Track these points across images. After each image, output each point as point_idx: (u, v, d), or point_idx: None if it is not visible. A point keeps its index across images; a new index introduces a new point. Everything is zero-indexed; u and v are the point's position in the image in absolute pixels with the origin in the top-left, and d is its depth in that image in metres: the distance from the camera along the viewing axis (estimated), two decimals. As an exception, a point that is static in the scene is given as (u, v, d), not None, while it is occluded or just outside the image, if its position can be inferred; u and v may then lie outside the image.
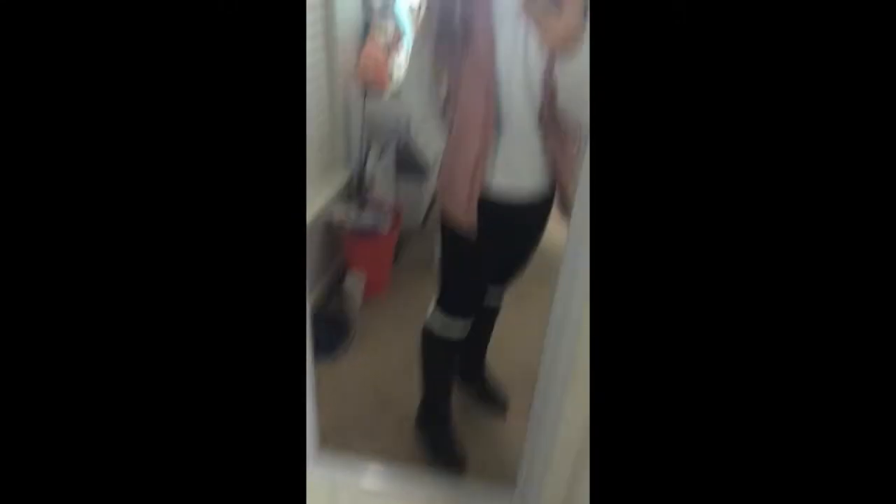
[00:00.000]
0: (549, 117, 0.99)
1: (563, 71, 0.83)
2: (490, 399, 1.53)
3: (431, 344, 1.27)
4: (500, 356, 1.52)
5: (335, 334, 1.72)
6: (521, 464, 1.07)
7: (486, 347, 1.53)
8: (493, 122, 0.99)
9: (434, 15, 1.00)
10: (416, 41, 1.08)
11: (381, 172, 2.09)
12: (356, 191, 2.08)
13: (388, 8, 2.20)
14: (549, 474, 0.98)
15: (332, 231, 1.92)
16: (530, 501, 1.06)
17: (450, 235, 1.16)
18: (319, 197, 1.84)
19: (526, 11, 0.77)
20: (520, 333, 1.37)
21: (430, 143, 1.11)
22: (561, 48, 0.78)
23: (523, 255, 1.27)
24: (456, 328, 1.23)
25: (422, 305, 1.35)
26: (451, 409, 1.40)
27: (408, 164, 2.17)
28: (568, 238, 0.78)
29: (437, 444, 1.38)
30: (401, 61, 2.19)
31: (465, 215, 1.05)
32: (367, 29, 2.07)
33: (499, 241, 1.14)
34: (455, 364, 1.34)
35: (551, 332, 0.87)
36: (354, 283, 1.86)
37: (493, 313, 1.43)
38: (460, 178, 1.04)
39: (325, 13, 1.73)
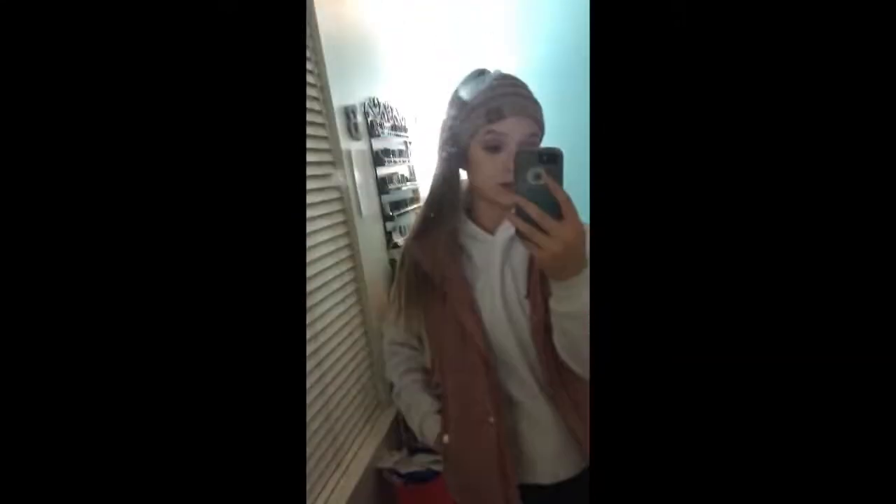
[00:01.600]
0: (558, 383, 0.82)
1: (558, 310, 0.70)
2: None
3: None
4: None
5: None
6: None
7: None
8: (504, 399, 0.83)
9: (409, 273, 0.88)
10: (395, 289, 0.94)
11: (426, 405, 2.00)
12: (404, 431, 1.96)
13: (411, 244, 2.37)
14: None
15: (385, 483, 1.75)
16: None
17: None
18: (366, 446, 1.72)
19: (514, 225, 0.64)
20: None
21: (412, 405, 0.97)
22: (558, 269, 0.64)
23: None
24: None
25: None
26: None
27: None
28: None
29: None
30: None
31: None
32: (393, 266, 2.19)
33: None
34: None
35: None
36: (415, 546, 1.62)
37: None
38: (485, 476, 0.85)
39: (351, 256, 1.85)
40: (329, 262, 1.67)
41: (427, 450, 1.86)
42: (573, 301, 0.67)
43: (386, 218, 2.13)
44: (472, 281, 0.84)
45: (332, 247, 1.70)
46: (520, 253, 0.83)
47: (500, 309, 0.82)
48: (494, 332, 0.83)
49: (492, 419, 0.82)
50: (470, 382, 0.84)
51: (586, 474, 0.87)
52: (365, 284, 1.88)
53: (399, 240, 2.23)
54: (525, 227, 0.63)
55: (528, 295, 0.80)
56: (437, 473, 1.70)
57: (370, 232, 1.97)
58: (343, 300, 1.76)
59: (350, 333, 1.79)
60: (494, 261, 0.83)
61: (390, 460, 1.76)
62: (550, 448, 0.85)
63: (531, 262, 0.80)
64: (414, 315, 0.89)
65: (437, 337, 0.89)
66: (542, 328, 0.78)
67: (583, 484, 0.87)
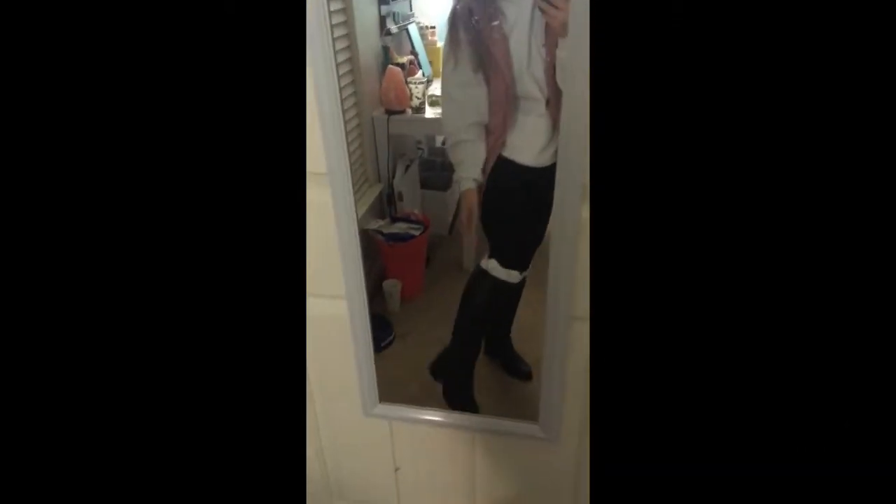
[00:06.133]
0: (554, 104, 1.28)
1: (560, 55, 1.15)
2: (514, 370, 1.71)
3: (483, 280, 1.52)
4: (525, 343, 1.69)
5: (379, 332, 1.91)
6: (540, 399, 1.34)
7: (511, 320, 1.71)
8: (511, 114, 1.34)
9: (458, 33, 1.34)
10: (446, 60, 1.40)
11: (407, 187, 2.28)
12: (387, 204, 2.27)
13: (402, 32, 2.38)
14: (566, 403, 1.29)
15: (369, 241, 2.11)
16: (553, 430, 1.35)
17: (492, 194, 1.48)
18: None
19: (537, 4, 1.13)
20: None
21: (466, 159, 1.43)
22: (562, 30, 1.07)
23: (537, 219, 1.55)
24: (512, 276, 1.50)
25: (454, 303, 1.52)
26: (474, 360, 1.61)
27: (430, 179, 2.35)
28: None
29: (455, 388, 1.59)
30: (418, 81, 2.37)
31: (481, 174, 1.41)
32: (385, 53, 2.26)
33: (515, 198, 1.45)
34: (495, 312, 1.62)
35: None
36: (392, 286, 2.05)
37: (517, 287, 1.63)
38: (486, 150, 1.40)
39: (349, 43, 1.92)
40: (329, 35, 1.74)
41: (406, 219, 2.20)
42: (570, 48, 1.09)
43: (381, 1, 2.12)
44: (508, 33, 1.30)
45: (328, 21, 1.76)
46: (538, 18, 1.25)
47: (526, 53, 1.29)
48: (520, 67, 1.30)
49: (503, 120, 1.34)
50: (496, 96, 1.33)
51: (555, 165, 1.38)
52: (359, 66, 1.98)
53: (392, 27, 2.25)
54: (544, 4, 1.13)
55: (545, 44, 1.26)
56: (413, 237, 2.06)
57: (366, 13, 2.00)
58: (340, 81, 1.88)
59: (344, 111, 1.96)
60: (525, 18, 1.27)
61: (375, 224, 2.10)
62: (539, 143, 1.36)
63: (547, 25, 1.23)
64: (467, 59, 1.35)
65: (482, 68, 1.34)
66: (551, 68, 1.24)
67: (550, 170, 1.34)
